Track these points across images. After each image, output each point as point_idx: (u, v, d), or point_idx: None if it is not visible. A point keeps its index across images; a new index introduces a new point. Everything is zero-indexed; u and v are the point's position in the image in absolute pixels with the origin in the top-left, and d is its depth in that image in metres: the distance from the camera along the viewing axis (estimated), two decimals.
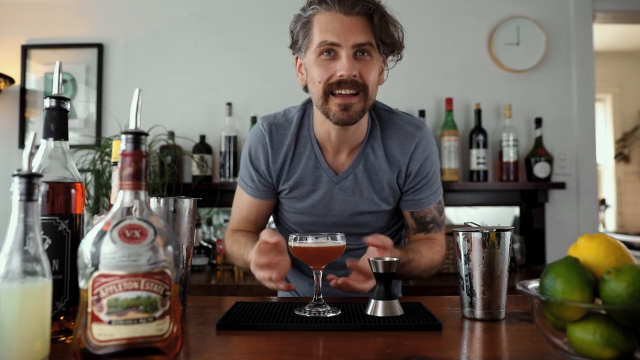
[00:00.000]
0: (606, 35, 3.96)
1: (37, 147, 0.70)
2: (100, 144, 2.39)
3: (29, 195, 0.57)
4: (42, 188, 0.69)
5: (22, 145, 2.53)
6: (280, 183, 1.25)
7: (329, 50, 1.07)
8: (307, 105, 1.26)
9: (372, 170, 1.22)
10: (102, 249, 0.55)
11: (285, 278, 1.42)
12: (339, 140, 1.20)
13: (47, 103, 0.73)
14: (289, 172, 1.23)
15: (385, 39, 1.10)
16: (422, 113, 2.39)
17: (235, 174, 2.38)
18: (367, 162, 1.22)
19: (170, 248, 0.58)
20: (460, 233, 0.84)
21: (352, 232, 1.23)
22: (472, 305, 0.83)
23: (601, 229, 4.37)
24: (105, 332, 0.55)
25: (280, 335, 0.73)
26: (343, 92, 1.07)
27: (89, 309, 0.55)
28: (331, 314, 0.81)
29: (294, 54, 1.19)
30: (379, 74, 1.14)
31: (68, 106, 0.74)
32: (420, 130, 1.23)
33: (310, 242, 0.85)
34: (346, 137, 1.19)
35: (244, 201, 1.30)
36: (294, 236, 0.86)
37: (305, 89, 1.19)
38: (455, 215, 2.62)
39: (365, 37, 1.07)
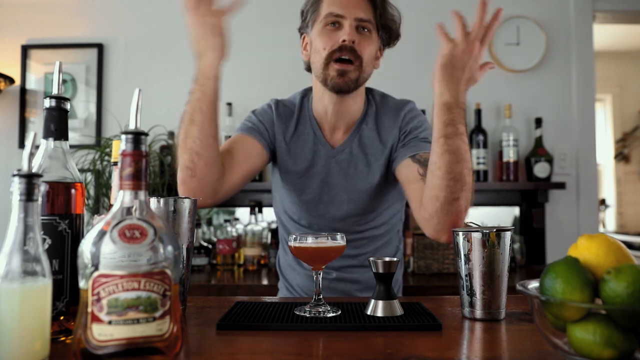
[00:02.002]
0: (606, 35, 3.96)
1: (37, 147, 0.70)
2: (100, 144, 2.39)
3: (29, 195, 0.57)
4: (42, 188, 0.69)
5: (22, 145, 2.53)
6: (280, 156, 1.29)
7: (334, 22, 1.18)
8: (308, 90, 1.35)
9: (367, 144, 1.27)
10: (102, 249, 0.55)
11: (281, 271, 1.42)
12: (335, 116, 1.27)
13: (47, 103, 0.73)
14: (290, 148, 1.28)
15: (384, 21, 1.23)
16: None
17: None
18: (361, 137, 1.28)
19: (170, 248, 0.58)
20: (460, 233, 0.84)
21: (350, 213, 1.27)
22: (472, 305, 0.83)
23: (601, 229, 4.37)
24: (105, 332, 0.55)
25: (280, 335, 0.73)
26: (343, 56, 1.17)
27: (89, 309, 0.55)
28: (331, 314, 0.81)
29: (301, 35, 1.30)
30: (375, 53, 1.24)
31: (68, 106, 0.74)
32: (409, 103, 1.32)
33: (310, 242, 0.85)
34: (342, 113, 1.27)
35: (234, 138, 1.27)
36: (294, 236, 0.86)
37: (308, 68, 1.28)
38: None
39: (367, 14, 1.20)
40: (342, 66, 1.18)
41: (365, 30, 1.20)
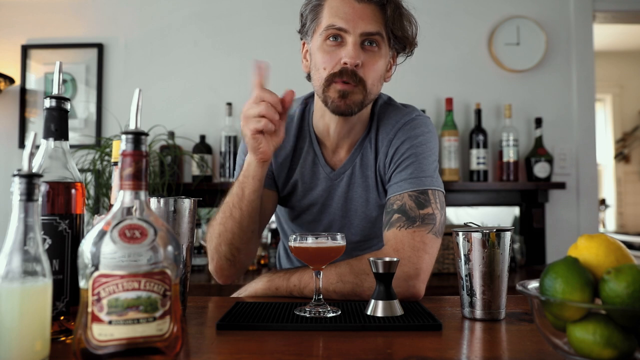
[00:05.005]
0: (606, 35, 3.96)
1: (37, 147, 0.70)
2: (100, 144, 2.39)
3: (29, 195, 0.57)
4: (43, 188, 0.69)
5: (22, 145, 2.53)
6: (280, 182, 1.20)
7: (336, 36, 1.04)
8: (309, 99, 1.22)
9: (368, 165, 1.16)
10: (102, 249, 0.55)
11: (280, 265, 1.40)
12: (338, 135, 1.15)
13: (47, 103, 0.73)
14: (290, 171, 1.19)
15: (397, 32, 1.07)
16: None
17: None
18: (363, 157, 1.16)
19: (170, 248, 0.58)
20: (460, 233, 0.84)
21: (350, 239, 1.16)
22: (472, 305, 0.83)
23: (601, 229, 4.37)
24: (106, 332, 0.55)
25: (280, 335, 0.73)
26: (343, 80, 1.03)
27: (89, 309, 0.55)
28: (331, 314, 0.81)
29: (301, 39, 1.17)
30: (385, 68, 1.10)
31: (68, 106, 0.74)
32: (406, 116, 1.15)
33: (310, 242, 0.85)
34: (346, 132, 1.15)
35: None
36: (294, 236, 0.86)
37: (309, 77, 1.15)
38: (455, 215, 2.62)
39: (375, 26, 1.04)
40: (345, 86, 1.03)
41: (374, 44, 1.05)
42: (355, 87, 1.04)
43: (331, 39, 1.05)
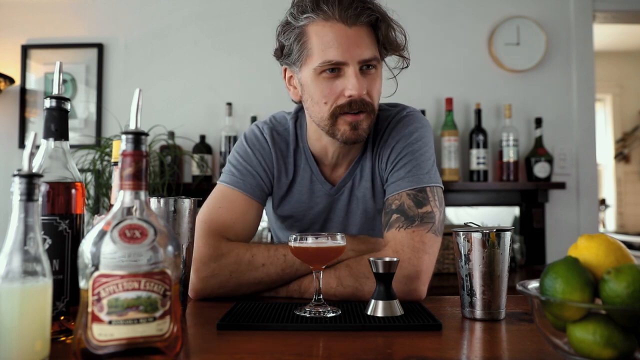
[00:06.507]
0: (606, 35, 3.96)
1: (37, 147, 0.70)
2: (100, 144, 2.40)
3: (29, 195, 0.57)
4: (43, 188, 0.69)
5: (22, 145, 2.53)
6: (276, 198, 1.16)
7: (334, 69, 0.99)
8: (299, 113, 1.18)
9: (367, 176, 1.14)
10: (102, 249, 0.55)
11: None
12: (337, 157, 1.13)
13: (48, 103, 0.73)
14: (288, 189, 1.16)
15: (390, 49, 1.04)
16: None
17: None
18: (363, 169, 1.14)
19: (170, 248, 0.58)
20: (460, 233, 0.84)
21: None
22: (472, 305, 0.83)
23: (601, 229, 4.37)
24: (106, 332, 0.55)
25: (280, 335, 0.73)
26: (353, 112, 1.00)
27: (89, 309, 0.55)
28: (331, 314, 0.81)
29: (281, 64, 1.10)
30: (381, 84, 1.09)
31: (68, 106, 0.74)
32: (396, 115, 1.13)
33: (310, 242, 0.85)
34: (345, 152, 1.12)
35: (233, 200, 1.09)
36: (294, 236, 0.86)
37: (299, 103, 1.11)
38: (455, 215, 2.62)
39: (372, 51, 1.00)
40: (355, 118, 1.00)
41: (371, 67, 1.01)
42: (366, 115, 1.02)
43: (328, 71, 0.99)
